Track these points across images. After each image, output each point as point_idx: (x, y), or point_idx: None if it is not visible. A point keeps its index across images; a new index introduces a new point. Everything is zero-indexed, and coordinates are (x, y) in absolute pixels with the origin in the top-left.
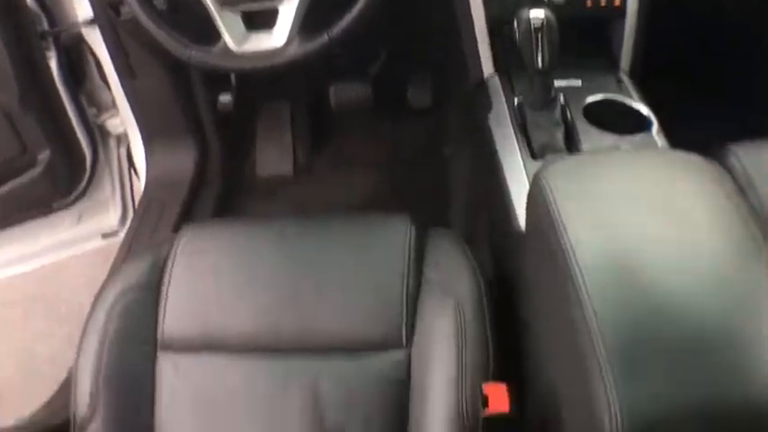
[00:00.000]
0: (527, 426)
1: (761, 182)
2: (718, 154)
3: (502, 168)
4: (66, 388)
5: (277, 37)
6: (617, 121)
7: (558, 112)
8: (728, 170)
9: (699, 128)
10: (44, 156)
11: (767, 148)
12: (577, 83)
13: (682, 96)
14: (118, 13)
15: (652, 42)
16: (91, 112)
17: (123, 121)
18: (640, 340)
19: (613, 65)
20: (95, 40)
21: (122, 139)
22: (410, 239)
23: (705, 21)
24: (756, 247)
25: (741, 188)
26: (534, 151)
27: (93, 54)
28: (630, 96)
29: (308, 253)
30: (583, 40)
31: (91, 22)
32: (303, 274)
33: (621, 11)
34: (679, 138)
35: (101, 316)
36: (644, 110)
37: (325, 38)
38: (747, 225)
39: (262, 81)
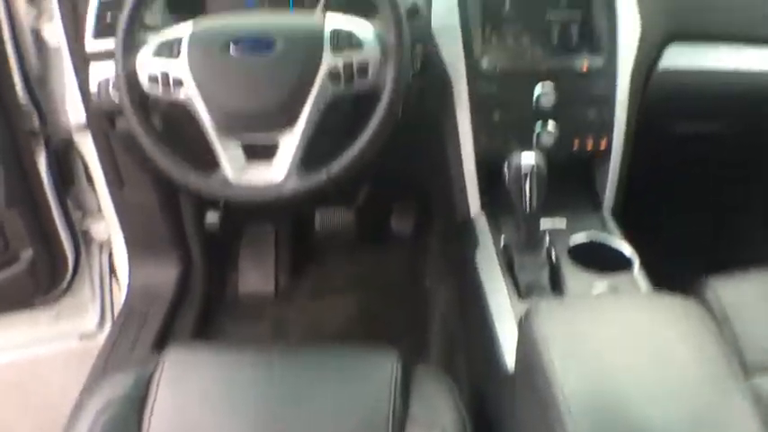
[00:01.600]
0: None
1: (735, 316)
2: (697, 288)
3: (489, 308)
4: None
5: (276, 171)
6: (600, 258)
7: (543, 253)
8: (706, 303)
9: (679, 261)
10: (27, 254)
11: (743, 281)
12: (563, 223)
13: (663, 231)
14: (113, 124)
15: (635, 182)
16: (76, 215)
17: (108, 228)
18: None
19: (597, 204)
20: (86, 146)
21: (105, 245)
22: (396, 376)
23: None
24: (738, 387)
25: (717, 322)
26: (520, 291)
27: (83, 158)
28: (613, 236)
29: (294, 385)
30: (568, 181)
31: (83, 128)
32: (288, 408)
33: (606, 153)
34: (660, 271)
35: (83, 427)
36: (626, 250)
37: (323, 176)
38: (730, 365)
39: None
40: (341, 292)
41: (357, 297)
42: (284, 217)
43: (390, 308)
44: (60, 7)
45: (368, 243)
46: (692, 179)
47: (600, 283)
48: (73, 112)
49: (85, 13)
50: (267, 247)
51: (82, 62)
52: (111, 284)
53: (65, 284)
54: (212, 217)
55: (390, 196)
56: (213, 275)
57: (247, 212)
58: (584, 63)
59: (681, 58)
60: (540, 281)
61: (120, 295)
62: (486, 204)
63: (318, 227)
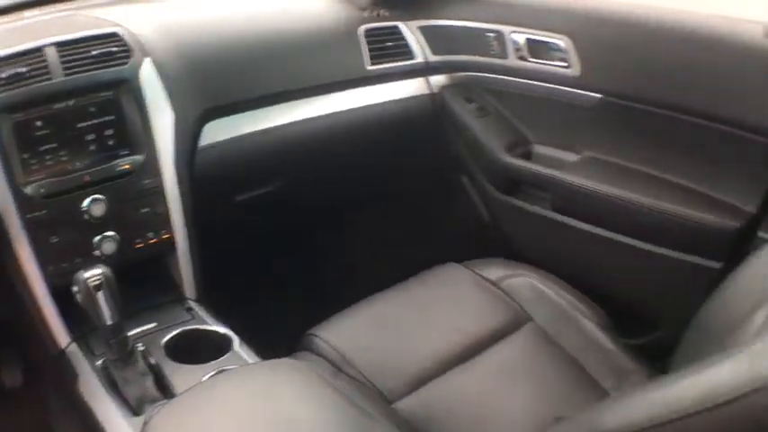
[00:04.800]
0: None
1: (353, 355)
2: (306, 342)
3: None
4: None
5: None
6: (202, 348)
7: (141, 362)
8: (320, 354)
9: (284, 325)
10: None
11: (347, 321)
12: (152, 325)
13: (259, 301)
14: None
15: (214, 261)
16: None
17: None
18: None
19: (180, 296)
20: None
21: None
22: None
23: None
24: (372, 422)
25: (337, 366)
26: (133, 408)
27: None
28: (204, 321)
29: None
30: (148, 280)
31: None
32: None
33: (172, 242)
34: (265, 336)
35: None
36: (221, 329)
37: None
38: (354, 406)
39: None
40: None
41: None
42: None
43: None
44: None
45: None
46: (270, 242)
47: (207, 373)
48: None
49: None
50: None
51: None
52: None
53: None
54: None
55: None
56: None
57: None
58: (125, 164)
59: (218, 132)
60: (147, 392)
61: None
62: (76, 330)
63: None
